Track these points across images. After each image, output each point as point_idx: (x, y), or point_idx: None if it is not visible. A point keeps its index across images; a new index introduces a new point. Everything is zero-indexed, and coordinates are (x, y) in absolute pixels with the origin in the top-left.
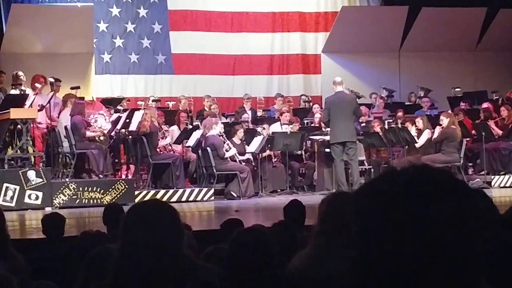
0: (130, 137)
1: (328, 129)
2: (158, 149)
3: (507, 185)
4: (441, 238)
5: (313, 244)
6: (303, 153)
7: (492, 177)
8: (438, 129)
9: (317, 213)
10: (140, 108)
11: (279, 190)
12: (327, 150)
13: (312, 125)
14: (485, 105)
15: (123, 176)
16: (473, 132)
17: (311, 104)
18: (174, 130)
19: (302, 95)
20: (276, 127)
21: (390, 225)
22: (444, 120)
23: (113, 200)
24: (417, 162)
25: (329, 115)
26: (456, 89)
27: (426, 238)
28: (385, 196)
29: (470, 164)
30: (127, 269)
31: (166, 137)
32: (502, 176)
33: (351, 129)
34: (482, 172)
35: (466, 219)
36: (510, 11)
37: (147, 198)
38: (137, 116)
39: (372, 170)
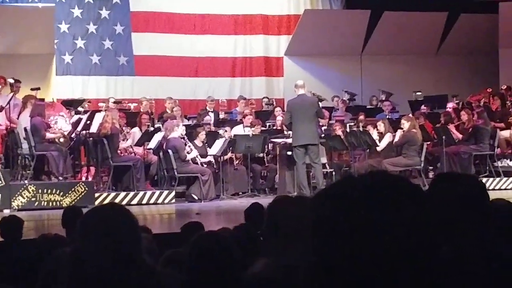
0: (90, 139)
1: (290, 132)
2: (119, 151)
3: None
4: (400, 242)
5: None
6: (265, 155)
7: None
8: (399, 133)
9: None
10: (101, 110)
11: (240, 193)
12: (289, 153)
13: (274, 127)
14: (450, 105)
15: (83, 178)
16: (434, 135)
17: (273, 106)
18: (136, 132)
19: (264, 97)
20: (238, 130)
21: (349, 230)
22: (405, 124)
23: (73, 202)
24: (378, 166)
25: (291, 117)
26: (417, 93)
27: (385, 243)
28: (344, 202)
29: (431, 167)
30: (82, 274)
31: (127, 139)
32: None
33: (313, 131)
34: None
35: (423, 223)
36: (470, 15)
37: (107, 200)
38: (98, 118)
39: (334, 173)
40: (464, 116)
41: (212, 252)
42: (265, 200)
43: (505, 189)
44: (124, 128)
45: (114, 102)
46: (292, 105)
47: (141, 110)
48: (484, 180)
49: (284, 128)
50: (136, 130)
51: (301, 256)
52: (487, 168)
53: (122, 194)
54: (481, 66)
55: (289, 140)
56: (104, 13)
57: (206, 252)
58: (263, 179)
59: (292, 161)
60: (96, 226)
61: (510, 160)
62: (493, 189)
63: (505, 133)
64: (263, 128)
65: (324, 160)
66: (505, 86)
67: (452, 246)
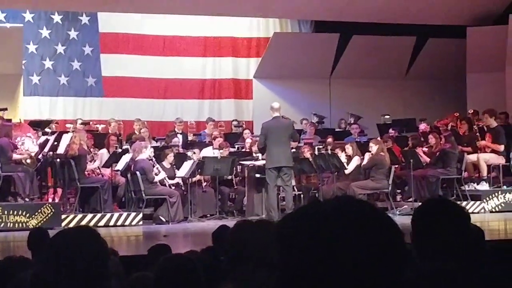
0: (58, 160)
1: (259, 154)
2: (86, 173)
3: None
4: (363, 267)
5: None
6: (233, 178)
7: (420, 204)
8: (367, 156)
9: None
10: (68, 131)
11: (208, 215)
12: (258, 175)
13: (243, 150)
14: (422, 126)
15: (50, 200)
16: (402, 159)
17: (242, 129)
18: (103, 154)
19: (233, 120)
20: (207, 152)
21: (314, 254)
22: (373, 147)
23: (39, 224)
24: (346, 189)
25: (265, 140)
26: (386, 116)
27: (349, 268)
28: (310, 227)
29: (398, 190)
30: None
31: (94, 161)
32: None
33: (287, 154)
34: (410, 199)
35: (387, 248)
36: (438, 40)
37: (74, 222)
38: (66, 139)
39: (302, 196)
40: (431, 140)
41: (178, 275)
42: (233, 223)
43: (472, 212)
44: (91, 149)
45: (82, 123)
46: (267, 128)
47: (109, 132)
48: None
49: (253, 150)
50: (104, 151)
51: (264, 281)
52: (454, 192)
53: (89, 215)
54: (449, 90)
55: (258, 163)
56: (73, 34)
57: (172, 275)
58: (231, 201)
59: (261, 184)
60: (64, 249)
61: (477, 184)
62: None
63: (472, 157)
64: (232, 150)
65: (292, 182)
66: (472, 111)
67: (416, 270)
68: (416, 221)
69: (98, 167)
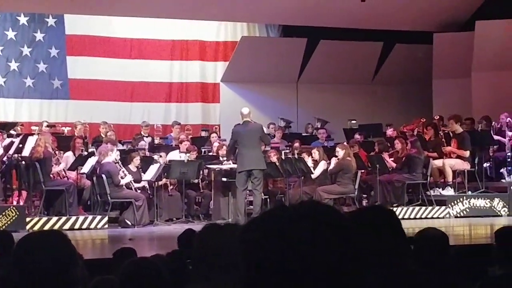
0: (23, 162)
1: (225, 158)
2: (51, 175)
3: (400, 217)
4: (326, 271)
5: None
6: (199, 181)
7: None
8: (334, 161)
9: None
10: (34, 133)
11: (174, 219)
12: (224, 179)
13: (210, 153)
14: (389, 132)
15: (15, 203)
16: (368, 164)
17: (209, 133)
18: (69, 156)
19: (202, 128)
20: (173, 155)
21: (277, 259)
22: (340, 152)
23: (3, 227)
24: (312, 193)
25: (235, 144)
26: (352, 121)
27: (311, 272)
28: (274, 231)
29: (364, 195)
30: None
31: (60, 163)
32: (395, 208)
33: (259, 157)
34: (376, 204)
35: (349, 253)
36: (405, 46)
37: (38, 225)
38: (31, 141)
39: (269, 200)
40: (397, 145)
41: (142, 279)
42: (199, 227)
43: (437, 217)
44: (56, 152)
45: (48, 126)
46: (237, 132)
47: (75, 134)
48: (416, 208)
49: (220, 154)
50: (69, 154)
51: (230, 285)
52: (420, 196)
53: (54, 218)
54: (415, 96)
55: (225, 166)
56: (39, 36)
57: (136, 279)
58: (198, 205)
59: (227, 188)
60: (33, 252)
61: (442, 189)
62: (426, 218)
63: (438, 163)
64: (199, 154)
65: None
66: (438, 116)
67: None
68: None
69: (63, 170)
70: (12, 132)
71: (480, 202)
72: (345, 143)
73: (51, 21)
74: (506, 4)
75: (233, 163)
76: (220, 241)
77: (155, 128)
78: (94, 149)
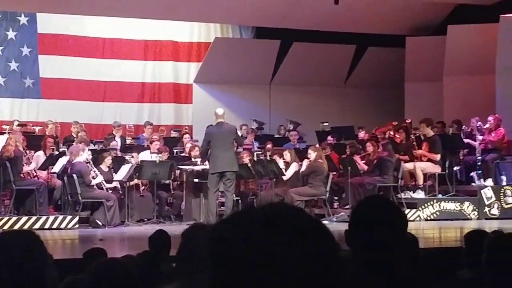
0: None
1: (198, 159)
2: (22, 175)
3: None
4: (295, 274)
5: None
6: (171, 182)
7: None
8: (305, 162)
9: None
10: (4, 132)
11: (145, 219)
12: (196, 180)
13: (182, 154)
14: (360, 134)
15: None
16: (340, 166)
17: (181, 133)
18: (40, 156)
19: (173, 129)
20: (145, 156)
21: (246, 261)
22: (312, 154)
23: None
24: (283, 195)
25: (208, 145)
26: (324, 124)
27: (279, 276)
28: (242, 233)
29: (336, 197)
30: None
31: (30, 163)
32: None
33: (231, 158)
34: (347, 206)
35: (319, 256)
36: (378, 49)
37: (8, 224)
38: (1, 140)
39: (240, 201)
40: (369, 147)
41: (112, 279)
42: (170, 227)
43: (408, 220)
44: (27, 151)
45: (19, 125)
46: (211, 133)
47: (46, 134)
48: None
49: (192, 155)
50: (40, 153)
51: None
52: (391, 199)
53: (24, 218)
54: (387, 99)
55: (197, 167)
56: (11, 34)
57: (106, 279)
58: (169, 206)
59: (199, 189)
60: (4, 252)
61: (413, 192)
62: None
63: (409, 166)
64: (170, 155)
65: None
66: (409, 120)
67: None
68: (354, 214)
69: (34, 169)
70: None
71: (450, 205)
72: (317, 145)
73: (23, 19)
74: (478, 9)
75: (205, 164)
76: (205, 240)
77: (127, 128)
78: (66, 149)
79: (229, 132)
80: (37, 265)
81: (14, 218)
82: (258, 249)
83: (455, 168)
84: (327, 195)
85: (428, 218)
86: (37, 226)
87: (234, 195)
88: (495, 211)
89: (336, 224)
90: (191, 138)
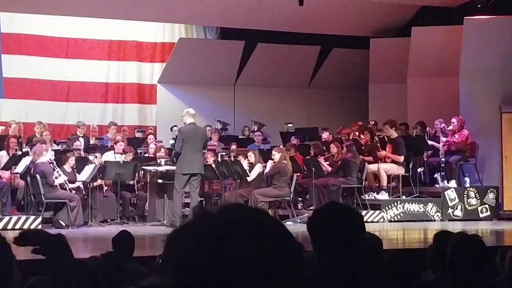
0: None
1: (163, 160)
2: None
3: None
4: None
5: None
6: (135, 183)
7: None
8: (270, 163)
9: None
10: None
11: (109, 220)
12: (160, 180)
13: (146, 155)
14: (325, 136)
15: None
16: (304, 167)
17: (145, 134)
18: (3, 156)
19: (136, 128)
20: (109, 156)
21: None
22: (276, 155)
23: None
24: (248, 195)
25: (182, 145)
26: (289, 125)
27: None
28: (199, 240)
29: (300, 198)
30: None
31: None
32: None
33: (200, 161)
34: (311, 207)
35: (277, 256)
36: (342, 50)
37: None
38: None
39: (204, 202)
40: (333, 149)
41: (75, 280)
42: (134, 228)
43: (372, 221)
44: None
45: None
46: (185, 133)
47: (9, 134)
48: None
49: (157, 156)
50: (3, 153)
51: None
52: (355, 200)
53: None
54: (351, 100)
55: (161, 168)
56: None
57: (69, 280)
58: (133, 206)
59: (163, 189)
60: None
61: (377, 194)
62: None
63: (373, 167)
64: (135, 156)
65: None
66: (374, 121)
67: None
68: (311, 229)
69: None
70: None
71: (414, 207)
72: (281, 146)
73: None
74: (442, 11)
75: (171, 165)
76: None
77: (91, 129)
78: (29, 149)
79: (203, 135)
80: (3, 266)
81: None
82: (218, 253)
83: (419, 170)
84: (291, 196)
85: (392, 219)
86: None
87: (198, 196)
88: (458, 212)
89: (300, 225)
90: (155, 139)
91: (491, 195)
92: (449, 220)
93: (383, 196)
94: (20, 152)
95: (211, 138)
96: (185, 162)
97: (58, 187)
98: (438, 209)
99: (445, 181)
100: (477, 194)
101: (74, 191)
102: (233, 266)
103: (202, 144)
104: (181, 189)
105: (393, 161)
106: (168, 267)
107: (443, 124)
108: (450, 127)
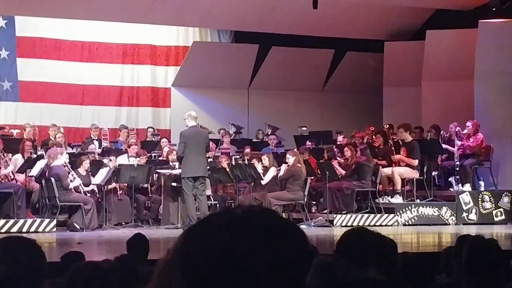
0: None
1: (176, 163)
2: None
3: (349, 224)
4: (268, 278)
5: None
6: (149, 186)
7: (334, 215)
8: (284, 167)
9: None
10: None
11: (123, 223)
12: (174, 184)
13: (160, 158)
14: (340, 139)
15: None
16: (318, 171)
17: (159, 137)
18: (18, 159)
19: (149, 127)
20: (123, 159)
21: (219, 264)
22: (290, 158)
23: None
24: (262, 199)
25: (184, 148)
26: (303, 128)
27: (252, 280)
28: (211, 239)
29: (314, 202)
30: None
31: (8, 166)
32: (344, 215)
33: (204, 164)
34: (325, 211)
35: (288, 259)
36: (356, 54)
37: None
38: None
39: (218, 205)
40: (347, 152)
41: (89, 283)
42: (148, 231)
43: (386, 225)
44: (4, 154)
45: None
46: (187, 136)
47: (24, 137)
48: (365, 216)
49: (170, 159)
50: (18, 156)
51: None
52: (369, 204)
53: (2, 221)
54: (365, 104)
55: (174, 171)
56: None
57: (83, 283)
58: (147, 209)
59: (177, 192)
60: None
61: (391, 197)
62: (374, 225)
63: (387, 171)
64: (148, 159)
65: (208, 192)
66: (388, 125)
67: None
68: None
69: (12, 172)
70: None
71: (428, 211)
72: (295, 150)
73: (1, 22)
74: (456, 15)
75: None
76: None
77: (102, 132)
78: (43, 152)
79: (204, 138)
80: (37, 272)
81: None
82: (229, 252)
83: (433, 173)
84: (305, 199)
85: (406, 223)
86: (15, 229)
87: (211, 198)
88: (473, 216)
89: (314, 229)
90: (169, 142)
91: (505, 199)
92: (463, 224)
93: (397, 199)
94: (35, 155)
95: (223, 141)
96: (187, 166)
97: (73, 190)
98: (452, 213)
99: (460, 184)
100: (491, 197)
101: (88, 194)
102: (244, 266)
103: (204, 147)
104: (190, 192)
105: (407, 165)
106: (178, 266)
107: (457, 128)
108: (465, 131)
